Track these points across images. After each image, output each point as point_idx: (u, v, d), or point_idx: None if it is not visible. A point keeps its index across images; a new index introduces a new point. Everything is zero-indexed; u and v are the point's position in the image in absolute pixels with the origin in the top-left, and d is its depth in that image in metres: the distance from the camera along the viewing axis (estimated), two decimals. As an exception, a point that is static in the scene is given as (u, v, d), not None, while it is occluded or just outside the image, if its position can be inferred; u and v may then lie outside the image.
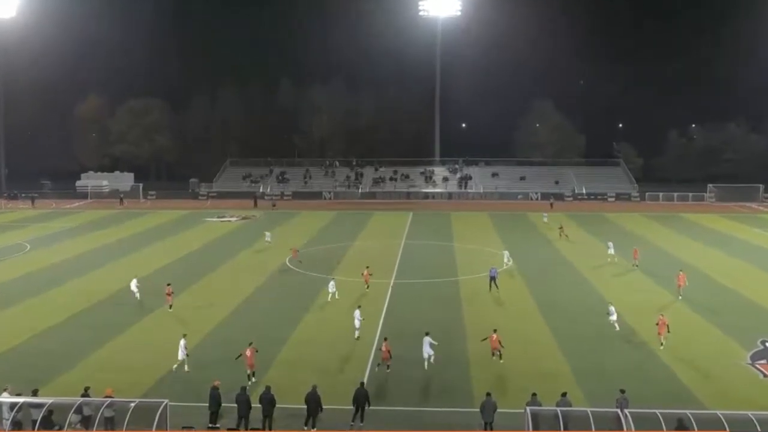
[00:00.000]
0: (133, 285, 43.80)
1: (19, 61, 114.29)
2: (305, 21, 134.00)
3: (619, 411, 24.41)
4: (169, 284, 42.20)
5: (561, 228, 68.79)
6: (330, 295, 43.64)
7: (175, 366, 31.66)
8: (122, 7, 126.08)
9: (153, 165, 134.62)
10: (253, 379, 29.97)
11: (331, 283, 44.40)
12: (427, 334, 32.64)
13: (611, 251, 56.70)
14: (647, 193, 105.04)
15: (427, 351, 31.97)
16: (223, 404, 26.34)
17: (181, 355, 31.60)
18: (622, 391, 25.99)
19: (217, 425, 25.79)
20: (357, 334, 36.23)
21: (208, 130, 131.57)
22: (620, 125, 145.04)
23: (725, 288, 48.29)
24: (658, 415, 22.91)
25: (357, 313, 37.04)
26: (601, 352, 34.44)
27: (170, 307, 41.46)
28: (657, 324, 35.20)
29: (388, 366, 31.51)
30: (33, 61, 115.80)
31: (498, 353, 32.69)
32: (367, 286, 46.39)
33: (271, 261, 56.42)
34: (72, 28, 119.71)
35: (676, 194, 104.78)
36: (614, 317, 37.93)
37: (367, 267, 47.95)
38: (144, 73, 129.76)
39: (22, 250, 61.65)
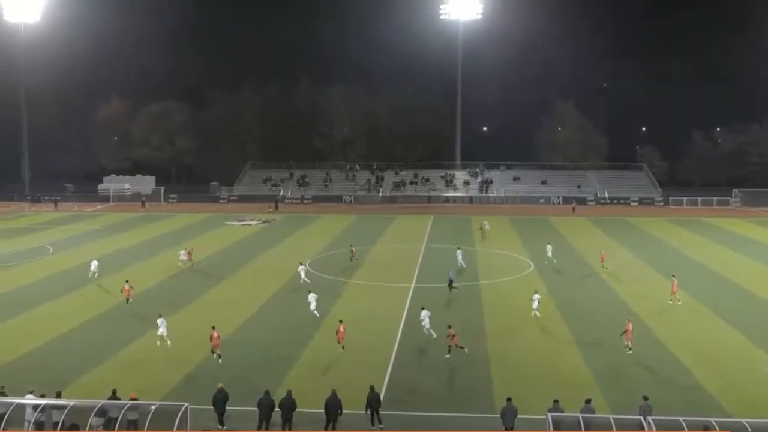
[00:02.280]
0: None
1: (43, 65, 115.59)
2: (326, 23, 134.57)
3: (642, 418, 24.28)
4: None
5: (481, 228, 71.02)
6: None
7: (158, 342, 35.37)
8: (143, 11, 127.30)
9: (174, 168, 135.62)
10: (219, 361, 33.21)
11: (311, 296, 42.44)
12: (422, 308, 37.44)
13: (549, 254, 57.40)
14: (671, 198, 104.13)
15: (426, 324, 36.51)
16: (245, 408, 26.50)
17: (161, 330, 35.53)
18: (645, 398, 25.85)
19: (225, 426, 26.04)
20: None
21: (228, 133, 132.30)
22: (643, 129, 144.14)
23: (749, 293, 47.88)
24: (682, 422, 22.78)
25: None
26: (623, 359, 34.20)
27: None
28: (625, 331, 34.84)
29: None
30: (56, 66, 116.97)
31: (459, 347, 33.84)
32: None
33: (292, 264, 56.57)
34: (94, 33, 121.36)
35: (700, 199, 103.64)
36: (536, 305, 40.65)
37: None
38: (165, 77, 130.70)
39: (45, 253, 62.35)
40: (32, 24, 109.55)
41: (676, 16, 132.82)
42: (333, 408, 26.11)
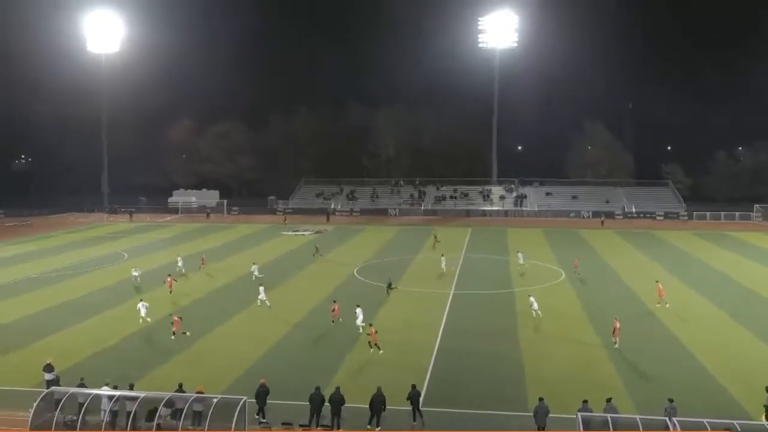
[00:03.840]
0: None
1: (121, 90, 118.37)
2: (375, 52, 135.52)
3: (667, 419, 23.69)
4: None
5: (435, 237, 72.52)
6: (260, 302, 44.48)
7: (141, 320, 39.26)
8: (208, 42, 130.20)
9: (235, 183, 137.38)
10: (172, 337, 36.62)
11: (261, 288, 45.48)
12: (357, 306, 38.91)
13: (521, 261, 57.78)
14: (695, 212, 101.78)
15: (360, 321, 37.87)
16: (297, 402, 26.59)
17: (143, 312, 39.75)
18: (671, 400, 25.20)
19: (265, 420, 26.07)
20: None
21: (284, 151, 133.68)
22: (668, 147, 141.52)
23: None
24: (706, 424, 22.17)
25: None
26: (650, 362, 33.49)
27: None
28: (614, 329, 35.70)
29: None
30: (132, 91, 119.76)
31: (377, 346, 34.33)
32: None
33: (341, 271, 56.88)
34: (165, 61, 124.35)
35: (723, 213, 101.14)
36: (535, 306, 40.97)
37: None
38: (228, 100, 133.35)
39: (121, 259, 63.64)
40: (112, 54, 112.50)
41: (699, 43, 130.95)
42: (377, 404, 26.05)
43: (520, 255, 58.99)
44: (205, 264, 58.91)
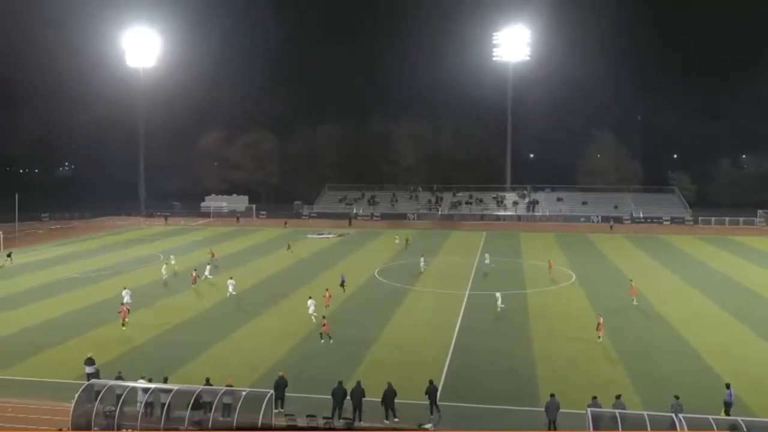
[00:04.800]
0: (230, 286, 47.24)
1: (157, 102, 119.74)
2: (394, 65, 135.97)
3: (673, 415, 23.44)
4: None
5: (406, 240, 73.76)
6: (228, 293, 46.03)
7: (124, 305, 40.29)
8: (238, 56, 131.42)
9: (263, 188, 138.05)
10: (124, 328, 38.01)
11: (229, 281, 46.73)
12: (309, 297, 41.25)
13: (487, 261, 58.71)
14: (700, 218, 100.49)
15: (311, 311, 39.80)
16: (320, 396, 26.70)
17: (126, 298, 41.37)
18: (677, 397, 24.94)
19: (283, 409, 26.23)
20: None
21: (309, 158, 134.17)
22: (675, 155, 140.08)
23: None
24: (711, 421, 21.90)
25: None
26: (656, 361, 33.16)
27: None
28: (597, 324, 36.31)
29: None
30: (167, 102, 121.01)
31: (328, 336, 35.46)
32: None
33: (364, 272, 56.91)
34: (197, 74, 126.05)
35: (727, 219, 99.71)
36: (500, 301, 42.16)
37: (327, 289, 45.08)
38: (256, 111, 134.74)
39: (157, 260, 64.18)
40: (149, 68, 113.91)
41: (704, 55, 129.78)
42: (390, 399, 26.14)
43: (486, 255, 59.95)
44: (215, 258, 60.07)
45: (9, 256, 61.82)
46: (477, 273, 57.23)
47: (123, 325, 38.88)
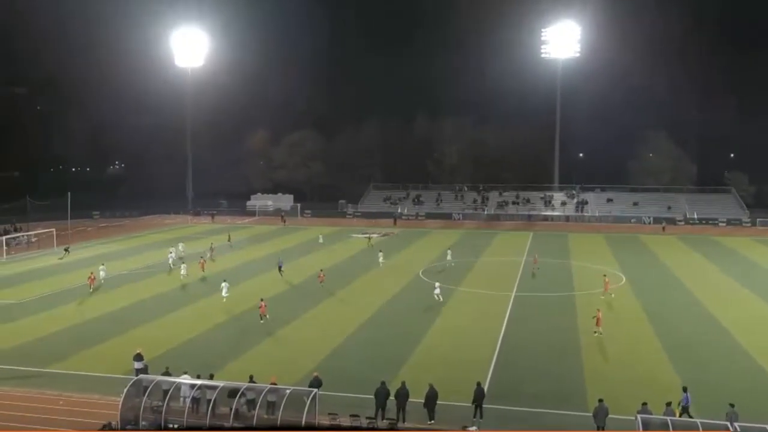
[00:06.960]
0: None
1: (204, 102, 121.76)
2: (441, 64, 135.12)
3: (729, 423, 22.79)
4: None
5: (369, 238, 76.08)
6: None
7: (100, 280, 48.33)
8: (284, 55, 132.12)
9: (308, 188, 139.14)
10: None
11: (223, 284, 46.36)
12: (224, 280, 45.83)
13: (449, 257, 59.91)
14: (758, 219, 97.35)
15: (224, 293, 44.59)
16: (363, 395, 26.87)
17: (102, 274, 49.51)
18: (732, 405, 24.25)
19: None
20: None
21: (353, 157, 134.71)
22: (731, 155, 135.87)
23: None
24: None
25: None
26: (709, 366, 32.32)
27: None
28: (596, 318, 36.91)
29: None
30: (215, 102, 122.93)
31: (265, 316, 39.16)
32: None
33: (407, 272, 56.89)
34: (244, 74, 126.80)
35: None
36: (438, 291, 44.47)
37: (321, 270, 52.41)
38: (301, 110, 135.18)
39: (204, 257, 65.10)
40: (197, 67, 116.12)
41: (763, 53, 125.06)
42: (431, 401, 26.07)
43: (448, 252, 61.16)
44: (214, 252, 65.18)
45: (66, 250, 66.53)
46: (524, 274, 56.64)
47: (91, 289, 47.77)
